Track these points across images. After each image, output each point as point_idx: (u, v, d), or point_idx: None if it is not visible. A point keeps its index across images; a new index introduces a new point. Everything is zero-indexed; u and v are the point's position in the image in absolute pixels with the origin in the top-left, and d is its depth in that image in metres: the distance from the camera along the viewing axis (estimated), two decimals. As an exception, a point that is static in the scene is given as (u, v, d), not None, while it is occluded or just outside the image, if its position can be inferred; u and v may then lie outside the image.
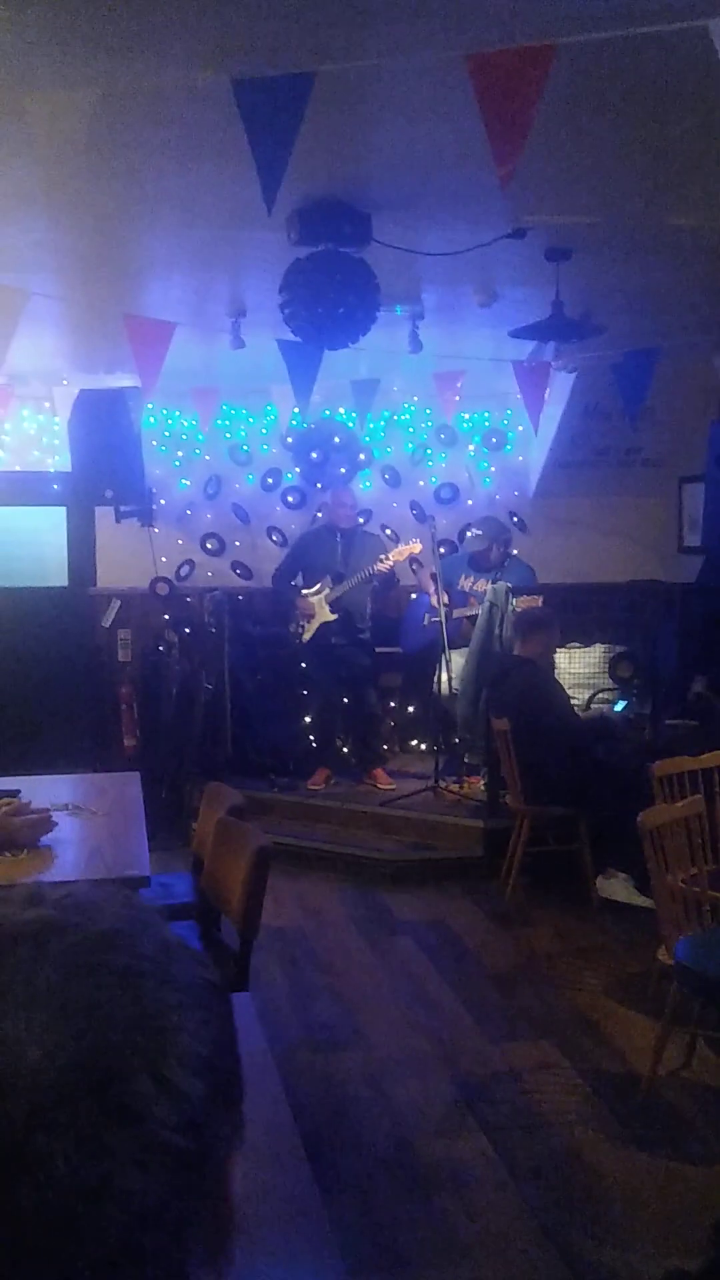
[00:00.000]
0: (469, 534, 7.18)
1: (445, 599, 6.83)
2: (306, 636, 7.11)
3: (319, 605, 7.07)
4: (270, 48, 2.76)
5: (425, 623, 7.17)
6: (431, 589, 7.11)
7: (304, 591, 7.14)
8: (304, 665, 7.39)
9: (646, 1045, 3.89)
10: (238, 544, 8.09)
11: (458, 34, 2.69)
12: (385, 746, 7.71)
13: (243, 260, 4.85)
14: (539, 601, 6.54)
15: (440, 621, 6.73)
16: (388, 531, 7.96)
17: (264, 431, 8.04)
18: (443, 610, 6.75)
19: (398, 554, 7.04)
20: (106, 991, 0.61)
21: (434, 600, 7.04)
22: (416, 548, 7.12)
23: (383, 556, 6.97)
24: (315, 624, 7.06)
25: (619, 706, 6.46)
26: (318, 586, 7.08)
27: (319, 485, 8.01)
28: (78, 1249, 0.55)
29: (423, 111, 3.22)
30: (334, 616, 7.02)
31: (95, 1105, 0.57)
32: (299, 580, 7.26)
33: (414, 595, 7.64)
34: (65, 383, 7.33)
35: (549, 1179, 3.28)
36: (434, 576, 6.95)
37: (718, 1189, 3.21)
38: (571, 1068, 3.97)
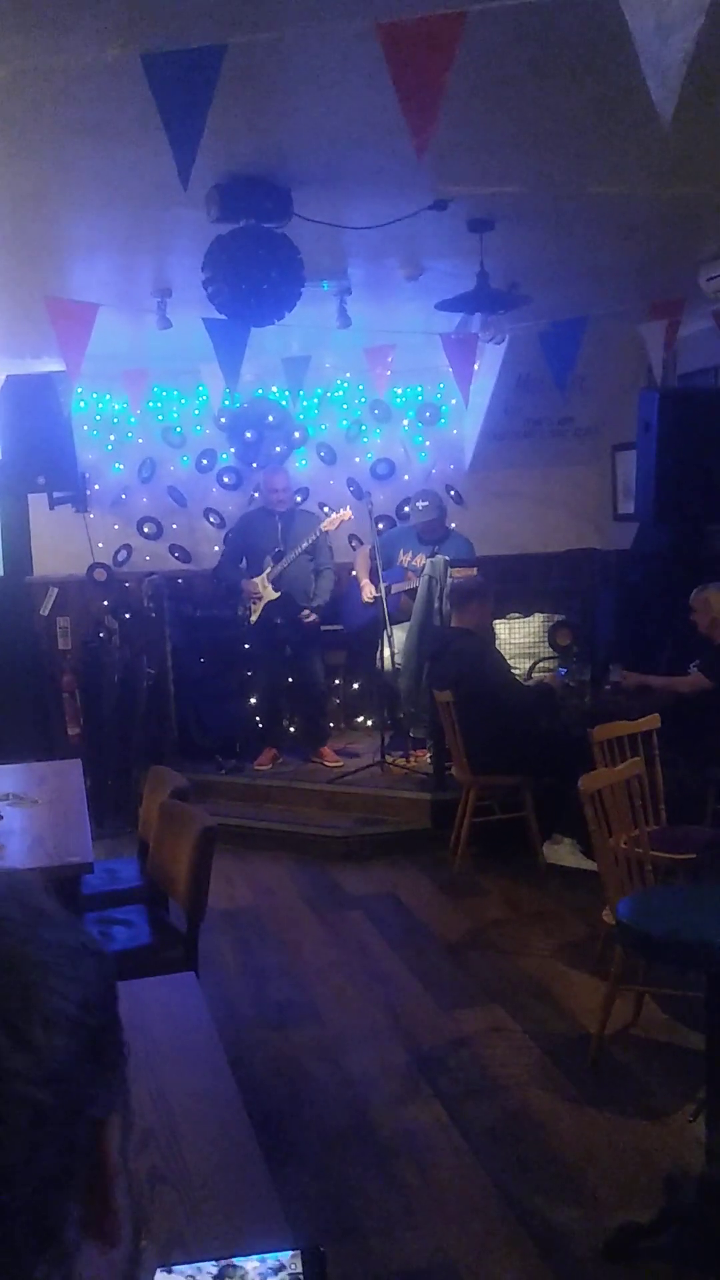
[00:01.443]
0: (417, 505, 7.18)
1: (375, 592, 6.86)
2: (254, 618, 7.10)
3: (262, 584, 7.07)
4: (179, 20, 2.73)
5: (364, 603, 7.18)
6: (365, 572, 7.14)
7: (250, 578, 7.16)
8: (247, 646, 7.38)
9: (595, 1006, 3.95)
10: (175, 527, 8.03)
11: (368, 2, 2.67)
12: (331, 724, 7.73)
13: (165, 239, 4.79)
14: (474, 573, 6.58)
15: (380, 598, 6.75)
16: (325, 509, 7.95)
17: (196, 412, 7.98)
18: (382, 588, 6.77)
19: (329, 523, 7.07)
20: None
21: (365, 594, 7.08)
22: (348, 514, 7.16)
23: (318, 529, 7.02)
24: (261, 605, 7.06)
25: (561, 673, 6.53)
26: (266, 570, 7.08)
27: (255, 465, 7.97)
28: None
29: (338, 83, 3.21)
30: (277, 594, 7.02)
31: None
32: (244, 565, 7.24)
33: (354, 573, 7.65)
34: (-9, 369, 7.21)
35: (504, 1141, 3.33)
36: (372, 553, 6.97)
37: (668, 1143, 3.28)
38: (522, 1031, 4.03)
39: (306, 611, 6.99)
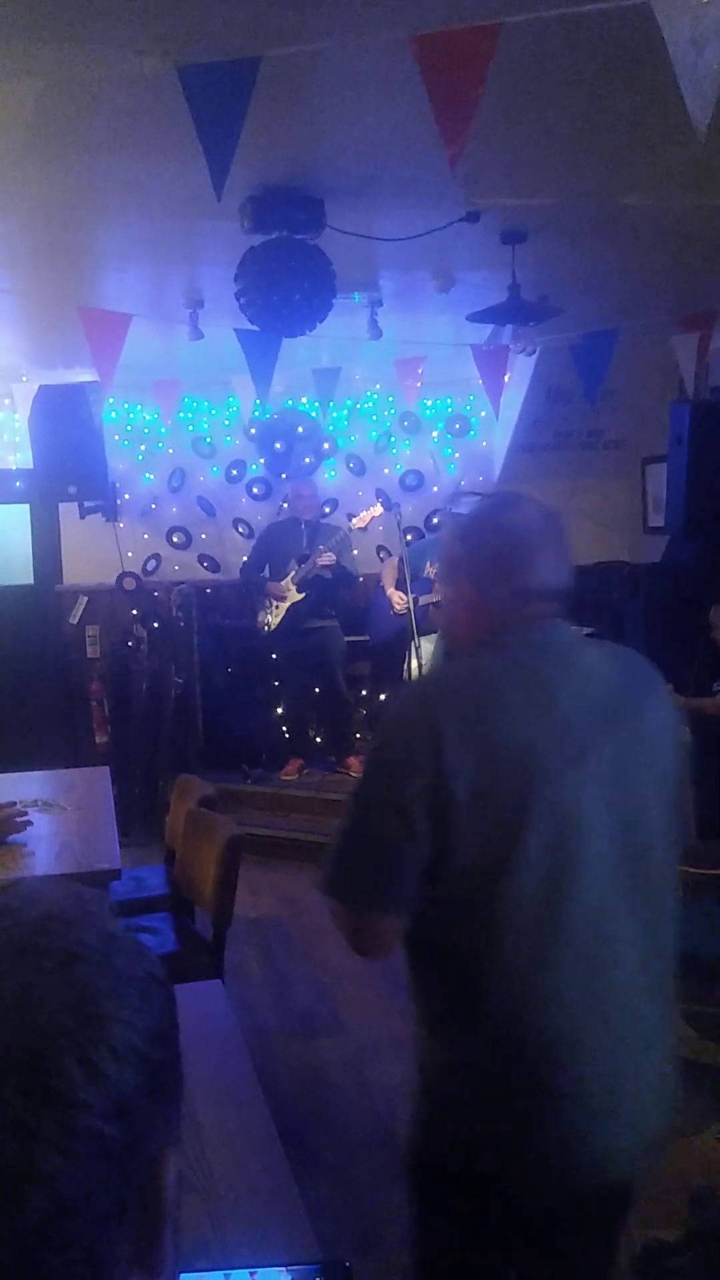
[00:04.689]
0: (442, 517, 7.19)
1: (404, 599, 6.85)
2: (275, 620, 7.11)
3: (287, 586, 7.09)
4: (215, 32, 2.75)
5: (392, 613, 7.18)
6: (392, 582, 7.14)
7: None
8: (274, 656, 7.39)
9: (622, 1021, 3.91)
10: (204, 537, 8.06)
11: (403, 14, 2.69)
12: (358, 735, 7.73)
13: (198, 250, 4.82)
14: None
15: (409, 609, 6.74)
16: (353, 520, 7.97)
17: (227, 423, 8.01)
18: (410, 599, 6.76)
19: (359, 520, 7.08)
20: (39, 975, 0.60)
21: (395, 603, 7.08)
22: (378, 510, 7.20)
23: (346, 526, 7.05)
24: (284, 607, 7.08)
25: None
26: (290, 574, 7.10)
27: (284, 476, 7.99)
28: None
29: (372, 94, 3.22)
30: (301, 595, 7.04)
31: (18, 1086, 0.56)
32: (266, 572, 7.26)
33: (381, 585, 7.65)
34: (25, 379, 7.28)
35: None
36: (400, 563, 6.97)
37: (693, 1162, 3.24)
38: (549, 1046, 3.99)
39: (323, 549, 6.98)
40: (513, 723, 1.61)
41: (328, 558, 6.95)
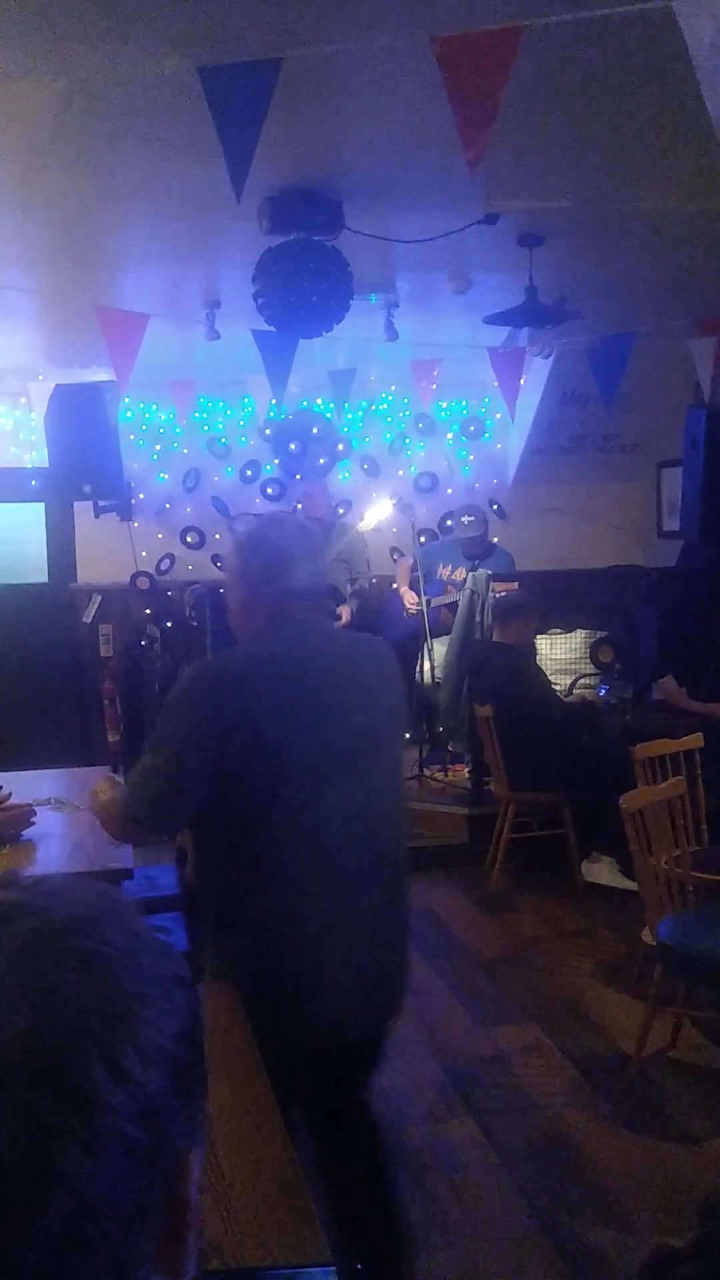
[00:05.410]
0: (462, 520, 7.17)
1: (416, 600, 6.85)
2: None
3: None
4: (236, 33, 2.75)
5: (405, 614, 7.18)
6: (406, 582, 7.14)
7: None
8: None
9: (633, 1027, 3.91)
10: (218, 537, 8.07)
11: (424, 16, 2.69)
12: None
13: (215, 250, 4.83)
14: (515, 587, 6.56)
15: (422, 611, 6.74)
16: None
17: (242, 423, 8.02)
18: (423, 600, 6.76)
19: (365, 523, 7.07)
20: (66, 974, 0.60)
21: (407, 602, 7.07)
22: (387, 509, 7.18)
23: (353, 528, 7.04)
24: None
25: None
26: None
27: (298, 476, 8.00)
28: (18, 1231, 0.54)
29: (392, 96, 3.22)
30: None
31: (43, 1087, 0.56)
32: None
33: (394, 586, 7.65)
34: (41, 378, 7.29)
35: (538, 1160, 3.29)
36: (413, 565, 6.96)
37: (704, 1168, 3.23)
38: (558, 1050, 3.99)
39: (338, 610, 6.97)
40: (275, 692, 2.15)
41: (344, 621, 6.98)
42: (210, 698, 2.16)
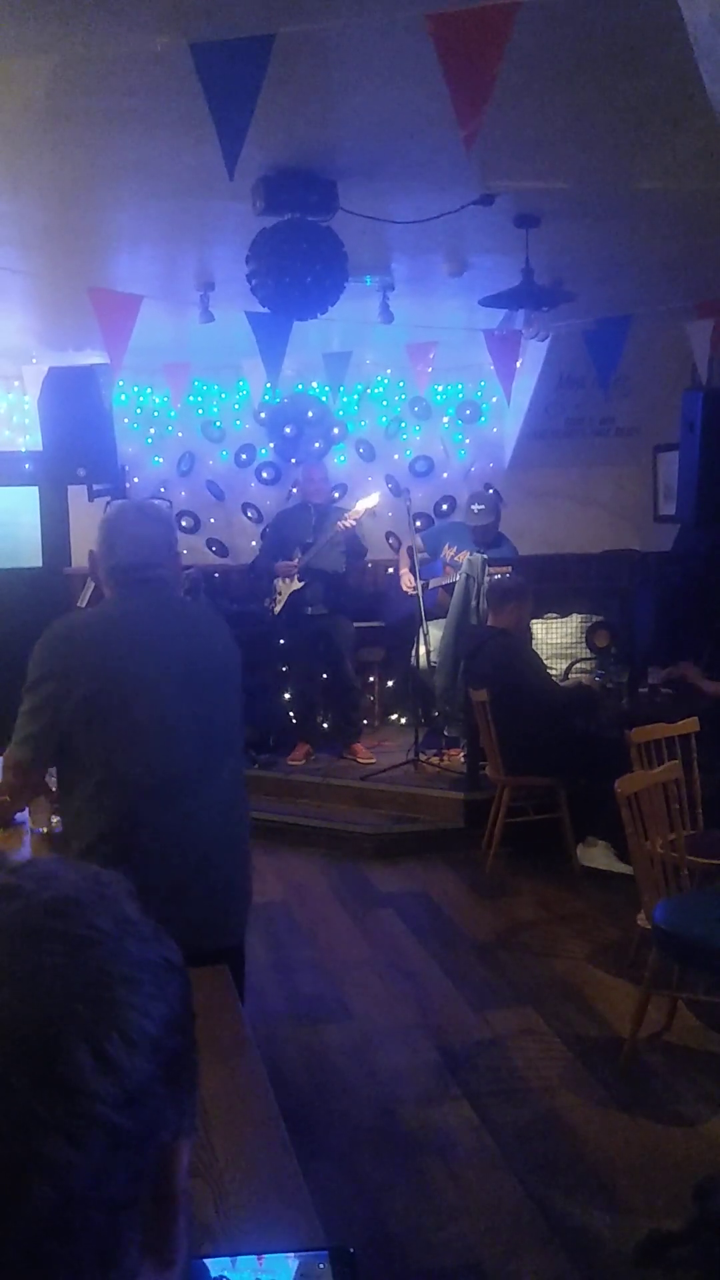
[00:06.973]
0: (473, 508, 7.13)
1: (414, 582, 6.83)
2: (278, 609, 7.10)
3: (293, 570, 7.07)
4: (228, 8, 2.72)
5: (404, 587, 7.15)
6: (405, 567, 7.11)
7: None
8: (281, 641, 7.38)
9: (627, 1010, 3.91)
10: (213, 521, 8.05)
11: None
12: (365, 720, 7.72)
13: (209, 231, 4.79)
14: (508, 572, 6.55)
15: (417, 594, 6.72)
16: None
17: (236, 407, 7.99)
18: (419, 584, 6.74)
19: (353, 514, 7.02)
20: (50, 958, 0.58)
21: (404, 584, 7.05)
22: (373, 501, 7.12)
23: (344, 519, 6.98)
24: (285, 593, 7.06)
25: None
26: (295, 560, 7.08)
27: (293, 460, 7.97)
28: (0, 1220, 0.53)
29: (386, 74, 3.18)
30: (300, 584, 7.01)
31: (27, 1073, 0.54)
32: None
33: (390, 570, 7.63)
34: (34, 361, 7.26)
35: (533, 1143, 3.30)
36: (410, 551, 6.94)
37: (698, 1151, 3.24)
38: (554, 1034, 3.99)
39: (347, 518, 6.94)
40: (117, 649, 2.56)
41: (345, 523, 6.91)
42: (64, 642, 2.58)
